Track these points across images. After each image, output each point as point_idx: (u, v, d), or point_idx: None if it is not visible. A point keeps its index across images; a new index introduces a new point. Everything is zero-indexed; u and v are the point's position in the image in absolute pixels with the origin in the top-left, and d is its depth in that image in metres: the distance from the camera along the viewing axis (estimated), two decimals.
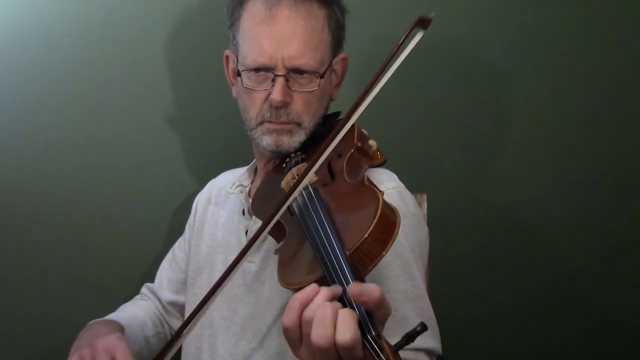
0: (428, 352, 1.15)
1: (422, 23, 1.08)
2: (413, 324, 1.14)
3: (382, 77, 1.06)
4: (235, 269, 1.03)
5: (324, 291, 0.87)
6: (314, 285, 0.87)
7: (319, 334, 0.83)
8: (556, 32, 1.74)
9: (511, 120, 1.75)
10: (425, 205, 1.53)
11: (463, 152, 1.75)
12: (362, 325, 0.84)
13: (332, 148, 1.07)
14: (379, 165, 1.24)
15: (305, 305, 0.86)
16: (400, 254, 1.18)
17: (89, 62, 1.70)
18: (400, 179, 1.30)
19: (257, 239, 1.05)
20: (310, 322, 0.85)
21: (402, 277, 1.17)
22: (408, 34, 1.06)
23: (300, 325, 0.87)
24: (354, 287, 0.84)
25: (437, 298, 1.47)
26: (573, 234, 1.75)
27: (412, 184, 1.35)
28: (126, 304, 1.50)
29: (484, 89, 1.75)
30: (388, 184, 1.24)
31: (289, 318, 0.87)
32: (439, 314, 1.42)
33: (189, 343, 1.38)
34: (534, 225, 1.76)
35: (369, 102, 1.07)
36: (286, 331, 0.88)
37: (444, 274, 1.58)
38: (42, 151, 1.70)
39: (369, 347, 0.82)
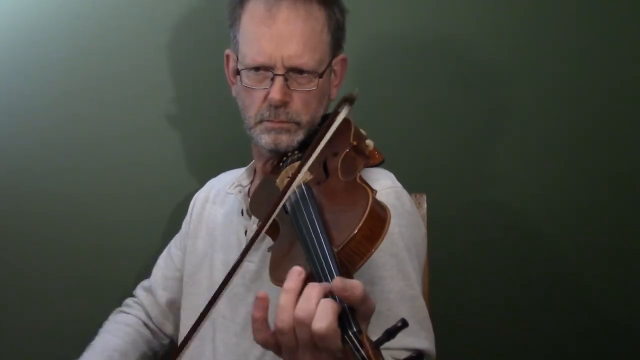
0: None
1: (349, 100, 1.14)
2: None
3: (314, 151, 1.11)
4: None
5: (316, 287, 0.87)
6: (298, 269, 0.88)
7: (301, 308, 0.84)
8: (555, 31, 1.73)
9: (510, 120, 1.75)
10: (425, 205, 1.54)
11: (462, 152, 1.75)
12: (344, 321, 0.84)
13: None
14: (377, 165, 1.25)
15: (297, 294, 0.87)
16: (395, 254, 1.18)
17: (89, 61, 1.71)
18: (400, 179, 1.30)
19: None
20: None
21: (397, 277, 1.17)
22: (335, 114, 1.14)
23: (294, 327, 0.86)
24: (337, 281, 0.84)
25: (435, 298, 1.48)
26: (572, 234, 1.74)
27: (412, 184, 1.35)
28: (106, 329, 1.47)
29: (484, 89, 1.75)
30: (384, 183, 1.24)
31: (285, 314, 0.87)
32: (438, 313, 1.42)
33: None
34: (533, 225, 1.75)
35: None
36: (281, 334, 0.88)
37: (442, 274, 1.59)
38: (42, 150, 1.71)
39: (349, 342, 0.83)
